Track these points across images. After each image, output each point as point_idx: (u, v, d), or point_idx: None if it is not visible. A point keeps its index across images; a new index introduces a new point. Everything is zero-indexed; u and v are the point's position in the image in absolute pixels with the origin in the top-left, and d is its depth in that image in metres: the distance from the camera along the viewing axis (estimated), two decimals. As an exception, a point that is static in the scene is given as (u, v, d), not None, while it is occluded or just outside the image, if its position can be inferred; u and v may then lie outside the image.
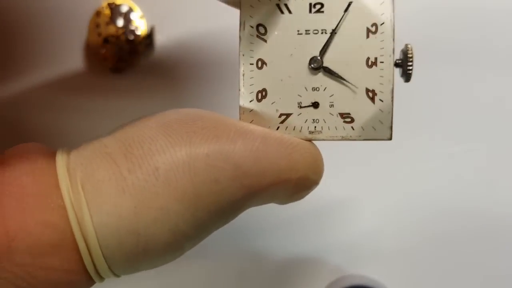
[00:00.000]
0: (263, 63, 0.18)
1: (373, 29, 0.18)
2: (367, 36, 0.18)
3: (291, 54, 0.18)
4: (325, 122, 0.18)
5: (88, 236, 0.15)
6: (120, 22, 0.31)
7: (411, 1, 0.31)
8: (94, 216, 0.15)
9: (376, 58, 0.18)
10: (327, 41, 0.18)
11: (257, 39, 0.18)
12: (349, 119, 0.18)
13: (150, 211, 0.15)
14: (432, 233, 0.31)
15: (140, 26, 0.31)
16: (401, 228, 0.31)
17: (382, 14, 0.18)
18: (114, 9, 0.31)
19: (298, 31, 0.18)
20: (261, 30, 0.18)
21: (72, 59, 0.31)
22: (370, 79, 0.17)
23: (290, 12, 0.18)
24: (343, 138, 0.18)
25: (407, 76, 0.18)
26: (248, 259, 0.31)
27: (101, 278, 0.16)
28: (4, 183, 0.15)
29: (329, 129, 0.18)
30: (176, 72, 0.32)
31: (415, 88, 0.32)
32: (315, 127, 0.18)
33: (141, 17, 0.31)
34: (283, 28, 0.18)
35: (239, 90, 0.18)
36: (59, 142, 0.31)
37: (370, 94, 0.18)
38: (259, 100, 0.18)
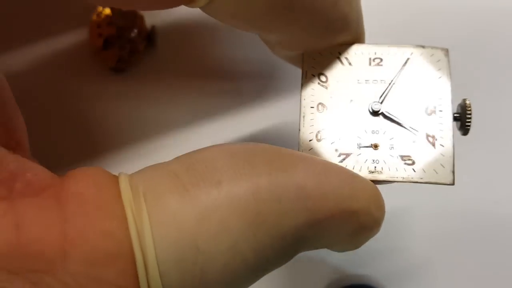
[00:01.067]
0: (324, 106, 0.19)
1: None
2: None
3: (351, 100, 0.19)
4: (385, 163, 0.18)
5: (147, 248, 0.15)
6: (120, 22, 0.31)
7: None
8: (154, 227, 0.15)
9: (435, 107, 0.18)
10: (386, 89, 0.19)
11: (319, 86, 0.19)
12: (410, 162, 0.18)
13: (211, 224, 0.15)
14: (432, 232, 0.31)
15: (140, 26, 0.31)
16: (401, 228, 0.31)
17: (439, 70, 0.19)
18: (115, 9, 0.31)
19: (358, 80, 0.19)
20: (323, 78, 0.19)
21: (72, 59, 0.32)
22: (430, 125, 0.18)
23: (350, 64, 0.19)
24: (404, 179, 0.18)
25: (465, 130, 0.19)
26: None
27: None
28: (68, 190, 0.15)
29: (389, 169, 0.18)
30: (176, 72, 0.32)
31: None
32: (375, 167, 0.18)
33: (142, 17, 0.31)
34: (344, 77, 0.19)
35: (299, 130, 0.19)
36: (59, 143, 0.31)
37: (431, 139, 0.18)
38: (318, 140, 0.19)
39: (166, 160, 0.17)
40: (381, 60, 0.19)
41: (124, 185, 0.16)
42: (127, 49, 0.31)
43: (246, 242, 0.15)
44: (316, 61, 0.19)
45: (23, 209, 0.14)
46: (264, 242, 0.16)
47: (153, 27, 0.32)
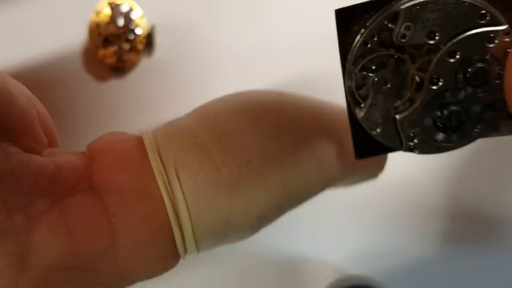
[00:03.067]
0: None
1: None
2: None
3: None
4: None
5: (184, 226, 0.16)
6: (120, 22, 0.31)
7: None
8: (190, 207, 0.16)
9: None
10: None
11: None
12: None
13: (241, 201, 0.17)
14: (432, 232, 0.31)
15: (140, 25, 0.31)
16: (401, 228, 0.31)
17: None
18: (114, 9, 0.31)
19: None
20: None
21: (71, 58, 0.31)
22: None
23: None
24: None
25: None
26: (248, 259, 0.31)
27: (186, 254, 0.18)
28: (102, 181, 0.16)
29: None
30: (176, 72, 0.31)
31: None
32: None
33: (141, 16, 0.31)
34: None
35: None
36: (58, 141, 0.31)
37: None
38: None
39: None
40: None
41: (155, 163, 0.16)
42: (126, 48, 0.31)
43: (271, 210, 0.17)
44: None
45: (69, 212, 0.15)
46: (286, 205, 0.17)
47: (152, 27, 0.32)
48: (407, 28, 0.14)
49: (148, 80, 0.31)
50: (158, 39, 0.32)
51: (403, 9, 0.14)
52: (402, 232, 0.31)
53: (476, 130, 0.16)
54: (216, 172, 0.16)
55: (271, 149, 0.17)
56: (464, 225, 0.31)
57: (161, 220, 0.16)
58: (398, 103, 0.15)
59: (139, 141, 0.17)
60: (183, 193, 0.16)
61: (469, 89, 0.15)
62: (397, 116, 0.15)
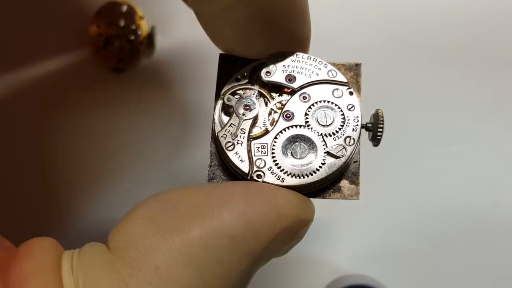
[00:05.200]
0: None
1: None
2: None
3: None
4: None
5: None
6: (121, 22, 0.31)
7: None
8: None
9: None
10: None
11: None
12: None
13: None
14: (432, 232, 0.31)
15: (140, 26, 0.31)
16: (401, 228, 0.31)
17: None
18: (115, 10, 0.31)
19: None
20: None
21: (73, 59, 0.32)
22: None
23: None
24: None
25: (376, 141, 0.19)
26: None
27: None
28: (14, 284, 0.15)
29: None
30: (176, 72, 0.32)
31: (414, 86, 0.32)
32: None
33: (142, 17, 0.31)
34: None
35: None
36: (59, 142, 0.31)
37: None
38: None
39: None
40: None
41: (67, 278, 0.16)
42: (127, 49, 0.31)
43: None
44: None
45: None
46: None
47: (153, 28, 0.32)
48: (272, 67, 0.19)
49: (148, 80, 0.31)
50: (159, 40, 0.32)
51: (269, 55, 0.19)
52: (402, 232, 0.31)
53: (318, 184, 0.18)
54: (124, 286, 0.15)
55: (177, 247, 0.16)
56: (464, 225, 0.31)
57: None
58: (255, 130, 0.18)
59: (60, 253, 0.17)
60: None
61: (316, 129, 0.18)
62: (252, 141, 0.18)
